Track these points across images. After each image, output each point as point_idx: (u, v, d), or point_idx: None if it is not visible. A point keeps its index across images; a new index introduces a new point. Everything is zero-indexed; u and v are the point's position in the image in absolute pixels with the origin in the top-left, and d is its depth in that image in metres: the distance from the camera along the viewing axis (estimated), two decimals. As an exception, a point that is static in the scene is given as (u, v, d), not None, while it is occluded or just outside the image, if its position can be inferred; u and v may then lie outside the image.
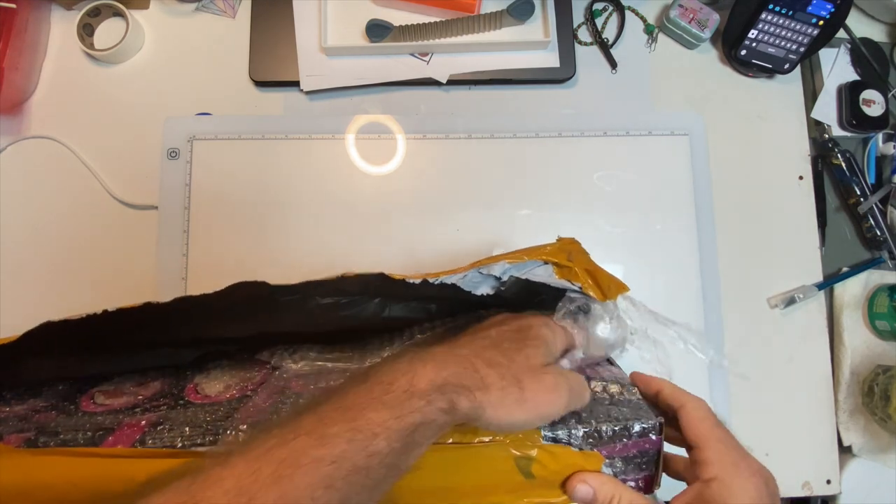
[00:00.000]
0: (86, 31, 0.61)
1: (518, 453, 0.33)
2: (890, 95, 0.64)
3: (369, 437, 0.26)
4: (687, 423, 0.34)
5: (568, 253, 0.40)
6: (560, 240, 0.44)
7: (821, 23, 0.60)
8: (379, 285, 0.39)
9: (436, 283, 0.39)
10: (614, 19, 0.66)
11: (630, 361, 0.42)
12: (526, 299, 0.42)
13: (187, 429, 0.33)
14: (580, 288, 0.39)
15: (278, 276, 0.56)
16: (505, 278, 0.39)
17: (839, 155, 0.63)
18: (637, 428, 0.34)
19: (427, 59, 0.61)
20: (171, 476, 0.25)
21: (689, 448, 0.34)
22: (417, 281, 0.38)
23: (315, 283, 0.38)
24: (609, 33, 0.65)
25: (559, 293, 0.41)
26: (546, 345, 0.36)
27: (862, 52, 0.65)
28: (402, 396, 0.28)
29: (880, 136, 0.64)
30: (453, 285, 0.39)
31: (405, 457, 0.29)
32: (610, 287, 0.40)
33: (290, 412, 0.29)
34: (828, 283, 0.61)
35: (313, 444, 0.25)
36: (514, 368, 0.33)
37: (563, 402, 0.33)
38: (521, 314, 0.39)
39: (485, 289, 0.40)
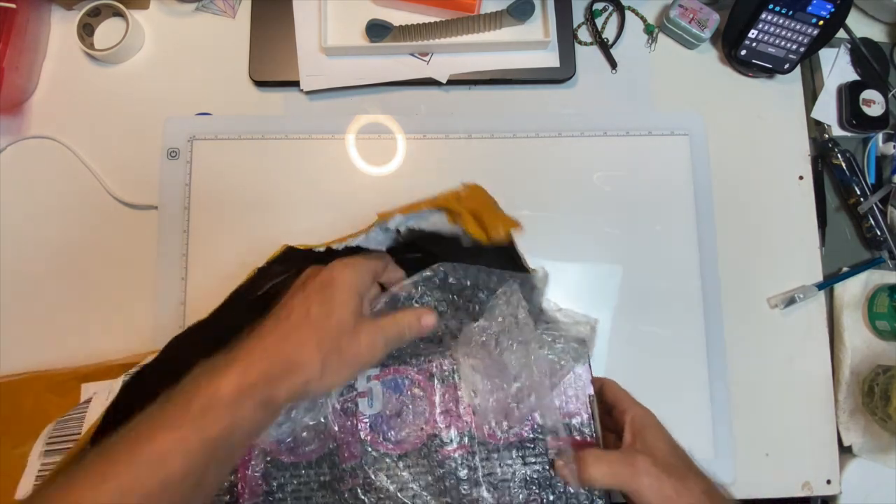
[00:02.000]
0: (86, 31, 0.61)
1: None
2: (890, 95, 0.64)
3: (159, 462, 0.26)
4: (608, 392, 0.46)
5: (458, 197, 0.40)
6: (463, 185, 0.43)
7: (821, 23, 0.60)
8: (289, 258, 0.40)
9: (340, 248, 0.39)
10: (614, 19, 0.66)
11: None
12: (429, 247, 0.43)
13: None
14: (464, 231, 0.39)
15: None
16: (402, 230, 0.40)
17: (839, 155, 0.63)
18: None
19: (427, 59, 0.61)
20: None
21: (613, 408, 0.45)
22: (322, 249, 0.39)
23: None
24: (609, 33, 0.65)
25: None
26: (354, 293, 0.37)
27: (862, 52, 0.65)
28: (201, 410, 0.28)
29: (880, 136, 0.64)
30: (358, 248, 0.40)
31: (213, 468, 0.28)
32: (495, 226, 0.40)
33: (91, 450, 0.28)
34: (828, 283, 0.61)
35: (92, 485, 0.24)
36: (328, 333, 0.34)
37: (382, 352, 0.37)
38: (325, 266, 0.39)
39: (385, 244, 0.41)
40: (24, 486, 0.43)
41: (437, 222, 0.40)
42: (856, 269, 0.61)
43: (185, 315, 0.56)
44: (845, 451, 0.59)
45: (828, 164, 0.64)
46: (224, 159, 0.59)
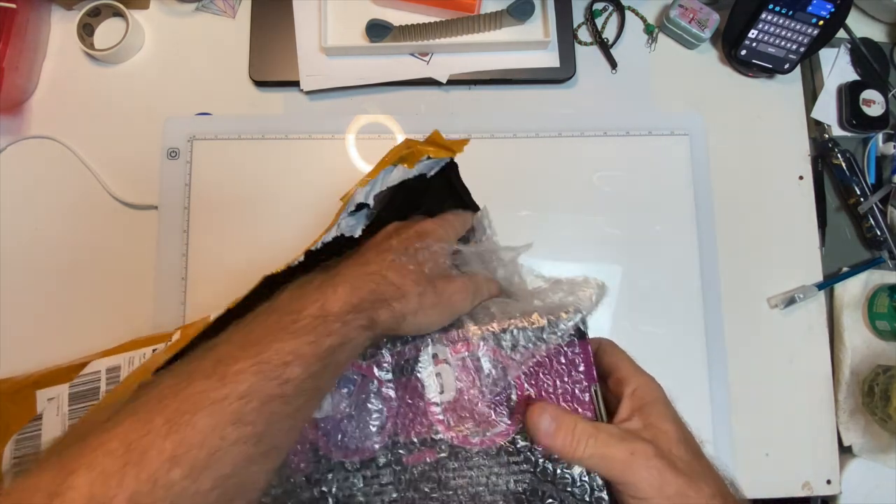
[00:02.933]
0: (86, 31, 0.61)
1: None
2: (890, 95, 0.64)
3: (280, 366, 0.25)
4: (605, 357, 0.38)
5: (406, 145, 0.39)
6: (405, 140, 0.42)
7: (821, 23, 0.60)
8: (269, 285, 0.36)
9: (317, 248, 0.37)
10: (614, 19, 0.66)
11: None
12: (410, 203, 0.43)
13: None
14: (429, 157, 0.39)
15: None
16: (370, 202, 0.38)
17: (839, 155, 0.63)
18: None
19: (427, 59, 0.61)
20: (49, 449, 0.23)
21: (608, 376, 0.37)
22: (301, 258, 0.36)
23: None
24: (609, 33, 0.65)
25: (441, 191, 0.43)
26: (448, 246, 0.38)
27: (862, 52, 0.65)
28: (314, 322, 0.28)
29: (880, 136, 0.64)
30: (335, 240, 0.38)
31: (326, 378, 0.28)
32: (451, 144, 0.40)
33: (186, 359, 0.26)
34: (828, 283, 0.61)
35: (213, 386, 0.24)
36: (425, 272, 0.35)
37: (470, 300, 0.37)
38: (411, 221, 0.40)
39: (361, 224, 0.40)
40: None
41: (400, 175, 0.39)
42: (856, 269, 0.61)
43: (185, 315, 0.56)
44: (845, 451, 0.59)
45: (828, 164, 0.64)
46: (224, 159, 0.59)
